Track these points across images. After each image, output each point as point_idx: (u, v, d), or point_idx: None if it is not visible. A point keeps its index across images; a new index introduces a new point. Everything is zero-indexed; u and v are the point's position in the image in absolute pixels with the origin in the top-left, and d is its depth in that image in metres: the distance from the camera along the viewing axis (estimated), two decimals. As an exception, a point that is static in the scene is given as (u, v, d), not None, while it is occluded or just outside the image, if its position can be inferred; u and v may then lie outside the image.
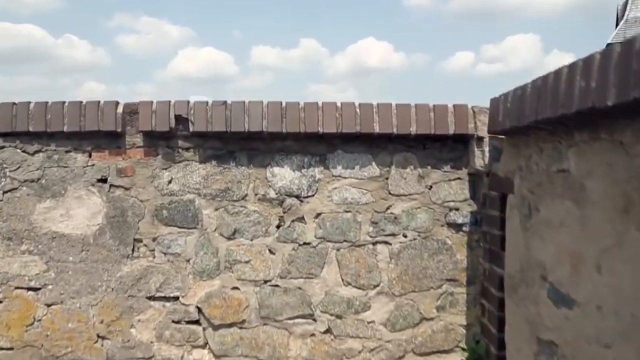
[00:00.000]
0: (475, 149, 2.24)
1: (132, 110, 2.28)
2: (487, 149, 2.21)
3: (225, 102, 2.23)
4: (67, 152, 2.33)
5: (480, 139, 2.22)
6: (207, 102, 2.24)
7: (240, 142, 2.31)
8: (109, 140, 2.32)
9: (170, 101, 2.25)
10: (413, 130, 2.21)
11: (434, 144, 2.32)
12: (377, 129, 2.21)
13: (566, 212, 1.53)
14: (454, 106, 2.23)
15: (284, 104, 2.22)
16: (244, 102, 2.23)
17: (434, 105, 2.23)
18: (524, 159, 1.87)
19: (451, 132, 2.22)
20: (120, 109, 2.27)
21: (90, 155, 2.34)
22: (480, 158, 2.24)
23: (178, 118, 2.24)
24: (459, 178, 2.33)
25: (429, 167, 2.32)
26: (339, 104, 2.22)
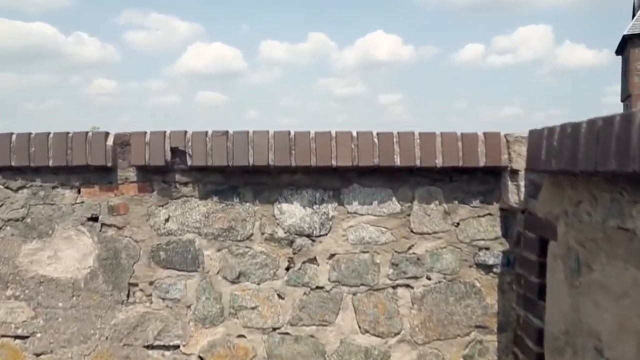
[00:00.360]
0: (509, 183, 1.99)
1: (123, 142, 2.06)
2: (522, 183, 1.96)
3: (226, 133, 1.99)
4: (53, 188, 2.12)
5: (514, 172, 1.97)
6: (206, 133, 2.00)
7: (244, 176, 2.08)
8: (99, 174, 2.10)
9: (165, 132, 2.02)
10: (439, 162, 1.96)
11: (461, 177, 2.06)
12: (398, 161, 1.96)
13: (632, 282, 1.28)
14: (485, 135, 1.98)
15: (292, 134, 1.98)
16: (247, 132, 1.99)
17: (462, 134, 1.98)
18: (571, 204, 1.61)
19: (482, 164, 1.97)
20: (110, 141, 2.05)
21: (79, 191, 2.12)
22: (514, 193, 1.98)
23: (174, 151, 2.01)
24: (489, 214, 2.08)
25: (456, 202, 2.07)
26: (354, 134, 1.97)
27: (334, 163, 1.96)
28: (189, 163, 2.01)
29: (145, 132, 2.02)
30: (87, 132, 2.04)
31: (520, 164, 1.96)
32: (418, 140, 1.97)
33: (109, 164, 2.04)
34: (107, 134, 2.05)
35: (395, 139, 1.96)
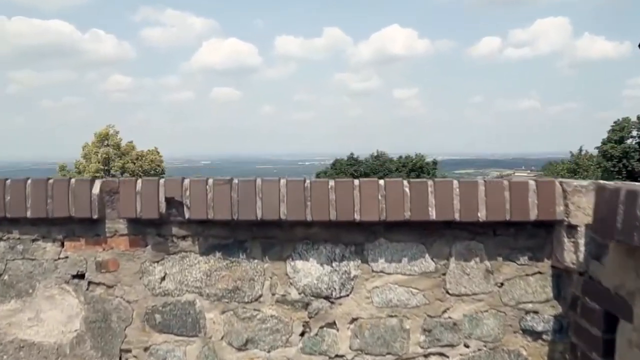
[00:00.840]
0: (565, 240, 1.67)
1: (111, 190, 1.77)
2: (582, 241, 1.64)
3: (230, 181, 1.70)
4: (33, 240, 1.85)
5: (572, 227, 1.65)
6: (206, 181, 1.71)
7: (252, 228, 1.79)
8: (84, 226, 1.82)
9: (159, 180, 1.73)
10: (482, 216, 1.66)
11: (507, 230, 1.75)
12: (433, 215, 1.66)
13: None
14: (537, 183, 1.66)
15: (307, 184, 1.68)
16: (255, 180, 1.69)
17: (510, 183, 1.66)
18: (655, 285, 1.30)
19: (532, 217, 1.66)
20: (96, 189, 1.76)
21: (62, 245, 1.84)
22: (571, 252, 1.67)
23: (170, 201, 1.72)
24: (539, 272, 1.77)
25: (500, 259, 1.77)
26: (381, 183, 1.67)
27: (357, 217, 1.67)
28: (186, 216, 1.72)
29: (137, 180, 1.74)
30: (69, 179, 1.76)
31: (579, 218, 1.64)
32: (457, 190, 1.66)
33: (95, 216, 1.76)
34: (92, 181, 1.77)
35: (430, 189, 1.66)
